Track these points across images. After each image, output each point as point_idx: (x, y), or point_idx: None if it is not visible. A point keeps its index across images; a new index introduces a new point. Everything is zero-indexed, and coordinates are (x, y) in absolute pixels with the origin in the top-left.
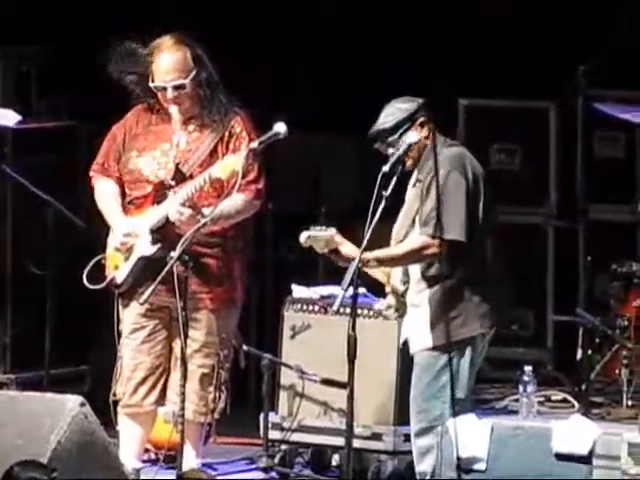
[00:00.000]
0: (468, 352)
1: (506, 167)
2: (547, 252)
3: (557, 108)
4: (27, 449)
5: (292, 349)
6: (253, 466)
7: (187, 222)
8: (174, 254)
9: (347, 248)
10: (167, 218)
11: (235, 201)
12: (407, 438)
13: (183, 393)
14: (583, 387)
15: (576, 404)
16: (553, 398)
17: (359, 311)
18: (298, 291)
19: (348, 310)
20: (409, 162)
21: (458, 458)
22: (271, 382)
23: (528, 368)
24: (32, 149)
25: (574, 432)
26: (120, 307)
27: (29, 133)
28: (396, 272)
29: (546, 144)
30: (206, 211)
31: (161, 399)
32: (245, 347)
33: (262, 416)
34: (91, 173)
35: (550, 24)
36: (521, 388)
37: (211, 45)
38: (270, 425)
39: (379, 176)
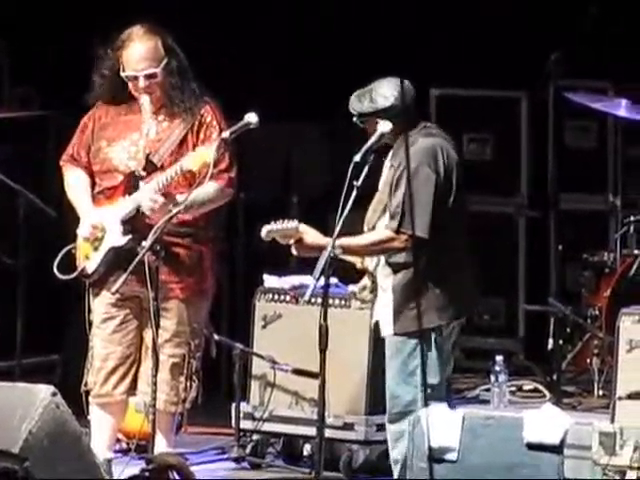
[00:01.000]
0: (433, 340)
1: (478, 157)
2: (518, 242)
3: (528, 98)
4: None
5: (263, 339)
6: (225, 456)
7: (160, 211)
8: (145, 244)
9: (312, 237)
10: (138, 209)
11: (208, 189)
12: (379, 428)
13: (155, 383)
14: (554, 377)
15: (547, 394)
16: (525, 388)
17: (330, 301)
18: (269, 281)
19: (319, 300)
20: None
21: (429, 448)
22: (243, 372)
23: (499, 358)
24: (3, 139)
25: (545, 422)
26: (91, 297)
27: (0, 123)
28: None
29: (517, 134)
30: (180, 197)
31: (132, 389)
32: (217, 337)
33: (234, 406)
34: (61, 163)
35: (522, 13)
36: (493, 378)
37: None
38: (242, 415)
39: (351, 166)
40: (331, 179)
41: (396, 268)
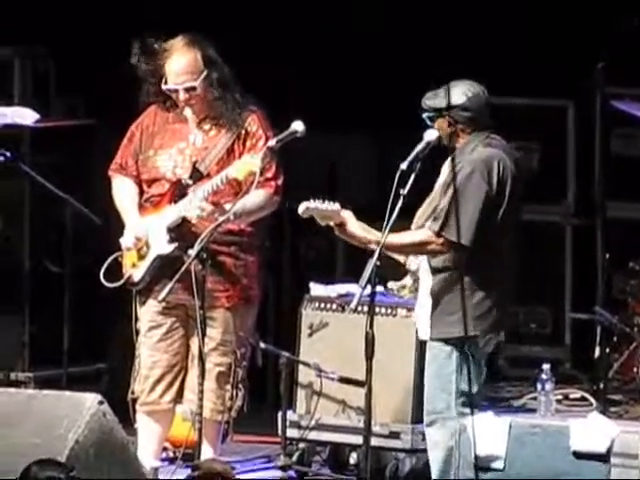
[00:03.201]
0: (469, 349)
1: (524, 165)
2: (565, 250)
3: (575, 106)
4: (45, 448)
5: (310, 347)
6: (271, 464)
7: (208, 219)
8: (192, 252)
9: (354, 227)
10: (184, 217)
11: (254, 198)
12: (425, 436)
13: (201, 391)
14: (601, 385)
15: (594, 402)
16: (571, 396)
17: (377, 309)
18: (316, 289)
19: (366, 308)
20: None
21: (476, 457)
22: (289, 380)
23: (546, 366)
24: (50, 148)
25: (592, 430)
26: (137, 305)
27: (47, 132)
28: None
29: (564, 142)
30: (228, 206)
31: (178, 397)
32: (263, 345)
33: (280, 414)
34: (109, 172)
35: (569, 22)
36: (539, 386)
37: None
38: (288, 423)
39: (397, 174)
40: (377, 187)
41: (435, 271)
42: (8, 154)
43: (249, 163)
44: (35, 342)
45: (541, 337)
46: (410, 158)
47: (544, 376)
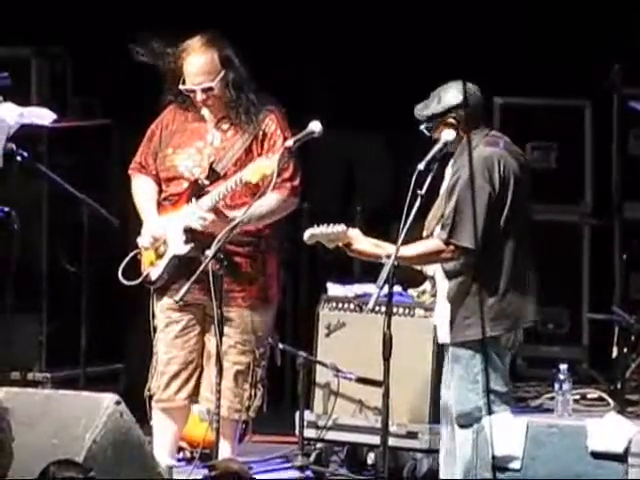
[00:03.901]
0: (490, 349)
1: (542, 165)
2: (582, 250)
3: (592, 106)
4: (63, 448)
5: (327, 347)
6: (288, 464)
7: (214, 226)
8: (209, 252)
9: (361, 244)
10: (189, 226)
11: (269, 201)
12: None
13: (219, 391)
14: (619, 385)
15: (612, 402)
16: (589, 396)
17: (394, 309)
18: (333, 289)
19: (383, 308)
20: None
21: (493, 457)
22: (306, 380)
23: (564, 366)
24: (67, 148)
25: (609, 430)
26: (154, 303)
27: (64, 132)
28: None
29: (581, 142)
30: (236, 213)
31: (194, 395)
32: (281, 345)
33: (297, 414)
34: (130, 171)
35: (586, 22)
36: (557, 386)
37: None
38: (305, 423)
39: (414, 174)
40: (394, 188)
41: (449, 275)
42: (25, 154)
43: (262, 166)
44: (52, 342)
45: (559, 337)
46: (427, 158)
47: (562, 376)
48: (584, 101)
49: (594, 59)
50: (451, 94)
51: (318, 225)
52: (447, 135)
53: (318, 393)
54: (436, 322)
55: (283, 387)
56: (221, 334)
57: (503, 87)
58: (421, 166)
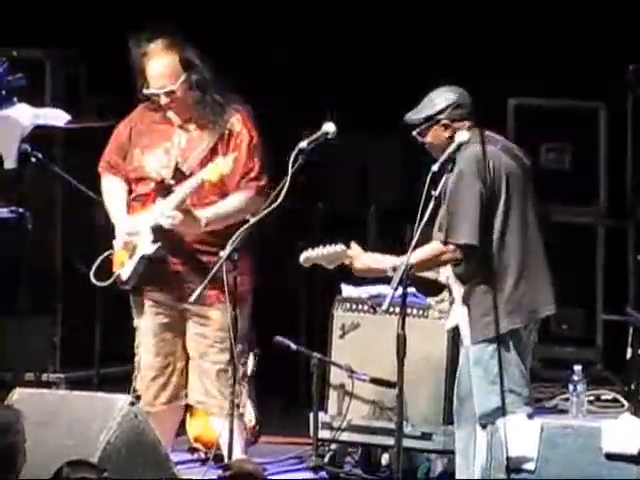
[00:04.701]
0: (512, 344)
1: (556, 167)
2: (597, 251)
3: (607, 107)
4: (77, 449)
5: (341, 348)
6: (303, 465)
7: (183, 225)
8: (222, 254)
9: (365, 261)
10: (159, 225)
11: (236, 200)
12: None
13: (232, 393)
14: (633, 386)
15: (626, 403)
16: (603, 397)
17: (408, 310)
18: (347, 290)
19: (397, 309)
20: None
21: (507, 458)
22: (321, 381)
23: (578, 367)
24: (81, 149)
25: (624, 431)
26: (132, 305)
27: (78, 133)
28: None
29: (596, 143)
30: (202, 212)
31: (174, 399)
32: (294, 346)
33: (312, 415)
34: (99, 169)
35: (599, 23)
36: (571, 387)
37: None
38: (320, 424)
39: (428, 176)
40: (408, 189)
41: (462, 279)
42: (40, 155)
43: (220, 166)
44: (67, 343)
45: (573, 338)
46: (441, 160)
47: (576, 377)
48: (599, 102)
49: (608, 60)
50: (442, 96)
51: (313, 248)
52: (461, 136)
53: (332, 394)
54: (458, 325)
55: (297, 388)
56: (235, 337)
57: (517, 88)
58: (435, 167)
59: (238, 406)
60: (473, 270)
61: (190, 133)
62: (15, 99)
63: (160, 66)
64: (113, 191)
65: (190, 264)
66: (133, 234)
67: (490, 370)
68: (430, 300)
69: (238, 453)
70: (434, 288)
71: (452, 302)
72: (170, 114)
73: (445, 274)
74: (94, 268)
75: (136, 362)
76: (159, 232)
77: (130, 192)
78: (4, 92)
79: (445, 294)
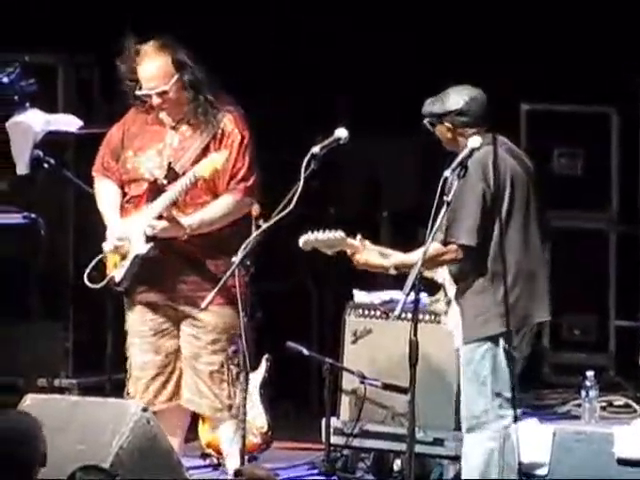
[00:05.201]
0: (502, 347)
1: (568, 172)
2: (609, 257)
3: (619, 112)
4: (89, 454)
5: (353, 354)
6: (315, 471)
7: (166, 232)
8: (235, 259)
9: (368, 255)
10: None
11: (224, 202)
12: None
13: (244, 397)
14: None
15: (638, 409)
16: (615, 403)
17: (420, 316)
18: (359, 296)
19: (409, 315)
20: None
21: (520, 463)
22: (333, 387)
23: (590, 373)
24: (93, 154)
25: (636, 437)
26: (125, 306)
27: (90, 138)
28: None
29: (608, 149)
30: (187, 220)
31: (175, 398)
32: (306, 352)
33: (324, 421)
34: (93, 173)
35: (611, 28)
36: (583, 393)
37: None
38: (332, 430)
39: (441, 180)
40: (421, 194)
41: (456, 278)
42: (52, 161)
43: (213, 161)
44: (79, 349)
45: (585, 344)
46: (454, 165)
47: (588, 383)
48: (611, 107)
49: (621, 65)
50: (453, 99)
51: (312, 231)
52: (473, 142)
53: (344, 400)
54: (450, 328)
55: (309, 394)
56: (246, 340)
57: (530, 93)
58: (447, 172)
59: (231, 407)
60: (468, 270)
61: (182, 133)
62: (28, 105)
63: (152, 67)
64: (106, 194)
65: (185, 264)
66: (123, 239)
67: (480, 372)
68: (425, 299)
69: (227, 450)
70: (428, 287)
71: (448, 302)
72: (162, 115)
73: (441, 274)
74: (88, 270)
75: (128, 364)
76: None
77: (124, 195)
78: (17, 98)
79: (440, 294)
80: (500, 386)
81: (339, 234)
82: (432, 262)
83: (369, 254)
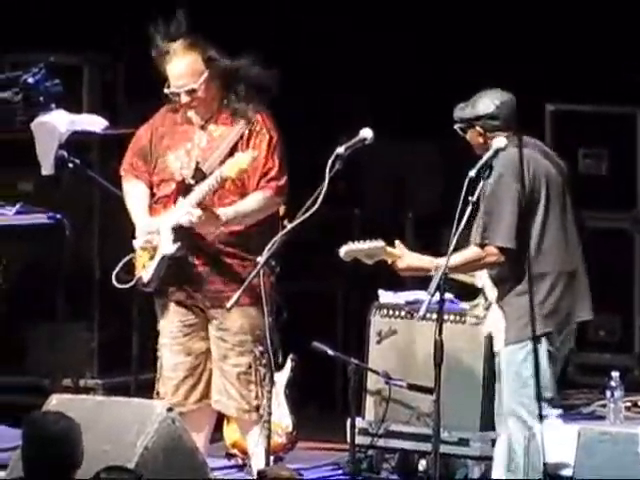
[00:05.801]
0: (544, 348)
1: (593, 172)
2: (634, 257)
3: None
4: (114, 454)
5: (378, 354)
6: (340, 472)
7: (202, 223)
8: (260, 259)
9: (409, 260)
10: (179, 223)
11: (252, 201)
12: (494, 443)
13: (270, 399)
14: None
15: None
16: None
17: (446, 316)
18: (385, 296)
19: (434, 315)
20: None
21: (544, 464)
22: (357, 387)
23: (615, 374)
24: (119, 155)
25: None
26: (156, 307)
27: (115, 139)
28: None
29: (633, 148)
30: (222, 210)
31: (205, 398)
32: (331, 352)
33: (349, 421)
34: (122, 172)
35: (636, 28)
36: (608, 394)
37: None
38: (357, 430)
39: (466, 181)
40: (446, 195)
41: (496, 281)
42: (77, 161)
43: (240, 161)
44: (104, 349)
45: (610, 345)
46: (479, 166)
47: (613, 383)
48: (635, 107)
49: None
50: (483, 104)
51: (353, 242)
52: (499, 142)
53: (369, 400)
54: (491, 331)
55: (334, 394)
56: (271, 341)
57: (554, 94)
58: (472, 173)
59: (258, 408)
60: (508, 272)
61: (211, 133)
62: (53, 105)
63: (181, 65)
64: (135, 194)
65: (212, 264)
66: (153, 232)
67: (522, 373)
68: (465, 304)
69: (253, 449)
70: (468, 293)
71: (488, 307)
72: (191, 114)
73: (481, 278)
74: (116, 271)
75: (158, 364)
76: (179, 232)
77: (152, 195)
78: (42, 98)
79: (480, 299)
80: (542, 387)
81: (380, 243)
82: (471, 266)
83: (409, 259)
